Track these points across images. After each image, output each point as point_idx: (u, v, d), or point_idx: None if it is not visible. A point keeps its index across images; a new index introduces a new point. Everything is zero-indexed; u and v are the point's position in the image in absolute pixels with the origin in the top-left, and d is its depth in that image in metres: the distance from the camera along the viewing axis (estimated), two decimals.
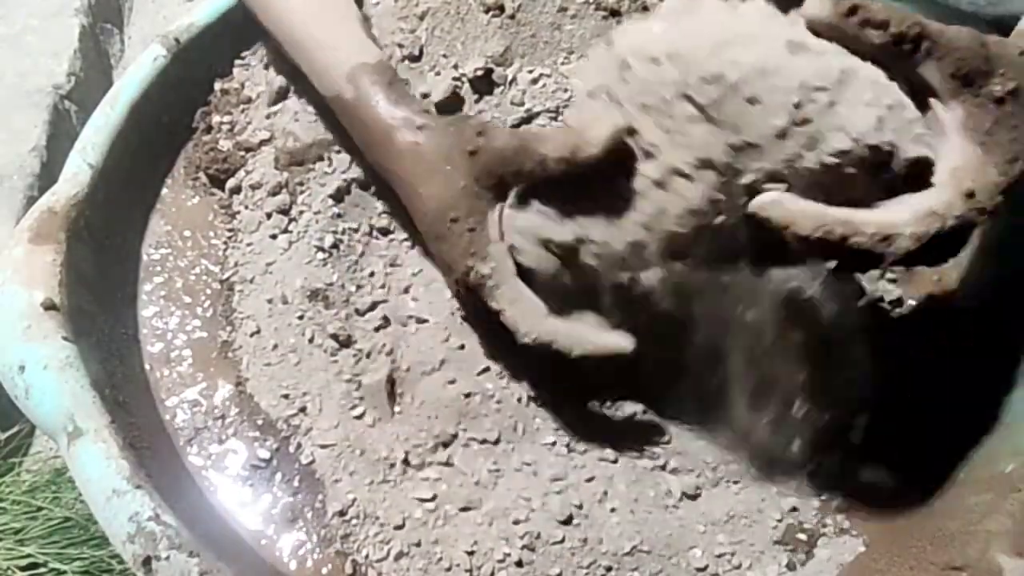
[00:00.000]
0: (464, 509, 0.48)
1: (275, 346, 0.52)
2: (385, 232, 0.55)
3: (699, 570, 0.47)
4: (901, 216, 0.38)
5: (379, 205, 0.56)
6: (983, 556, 0.41)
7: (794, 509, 0.49)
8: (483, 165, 0.45)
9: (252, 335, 0.53)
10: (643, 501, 0.48)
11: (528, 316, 0.45)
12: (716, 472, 0.50)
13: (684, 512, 0.48)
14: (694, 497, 0.49)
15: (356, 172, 0.55)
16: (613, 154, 0.42)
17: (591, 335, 0.45)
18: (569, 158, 0.43)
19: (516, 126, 0.55)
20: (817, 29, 0.39)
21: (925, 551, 0.45)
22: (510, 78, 0.56)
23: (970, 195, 0.38)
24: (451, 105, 0.55)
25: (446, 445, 0.49)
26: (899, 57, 0.39)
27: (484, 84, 0.56)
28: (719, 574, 0.47)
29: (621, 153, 0.42)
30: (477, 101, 0.56)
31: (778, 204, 0.39)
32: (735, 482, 0.49)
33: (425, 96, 0.55)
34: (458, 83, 0.55)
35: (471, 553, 0.46)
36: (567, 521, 0.47)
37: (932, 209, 0.38)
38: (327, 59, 0.51)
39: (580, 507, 0.48)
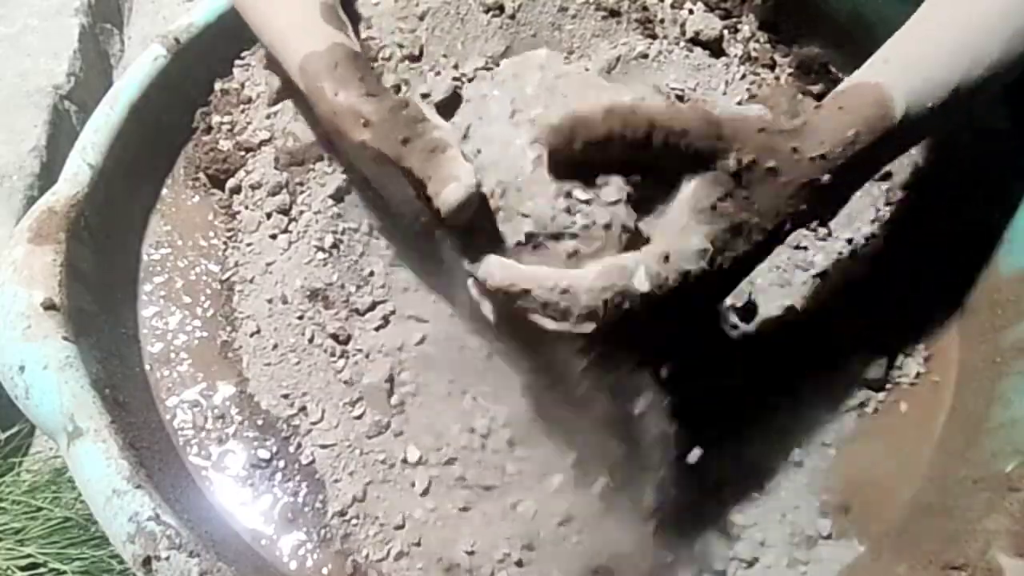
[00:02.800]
0: (464, 509, 0.48)
1: (275, 346, 0.52)
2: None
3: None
4: (586, 273, 0.38)
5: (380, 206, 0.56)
6: (983, 556, 0.41)
7: (795, 509, 0.49)
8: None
9: (252, 335, 0.53)
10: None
11: None
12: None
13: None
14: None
15: (356, 172, 0.55)
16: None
17: None
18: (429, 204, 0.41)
19: None
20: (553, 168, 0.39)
21: (925, 551, 0.45)
22: None
23: (665, 258, 0.39)
24: (451, 105, 0.55)
25: (446, 445, 0.49)
26: (640, 154, 0.39)
27: None
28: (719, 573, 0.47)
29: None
30: None
31: (489, 263, 0.40)
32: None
33: (425, 96, 0.55)
34: (458, 83, 0.55)
35: (471, 553, 0.46)
36: (567, 521, 0.47)
37: (617, 264, 0.38)
38: (284, 51, 0.50)
39: (580, 507, 0.48)
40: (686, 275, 0.39)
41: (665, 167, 0.40)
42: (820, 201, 0.43)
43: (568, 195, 0.40)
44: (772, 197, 0.41)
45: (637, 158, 0.39)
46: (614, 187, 0.40)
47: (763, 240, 0.42)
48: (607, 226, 0.40)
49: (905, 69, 0.45)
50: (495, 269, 0.40)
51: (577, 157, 0.39)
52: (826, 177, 0.42)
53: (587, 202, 0.40)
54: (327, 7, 0.52)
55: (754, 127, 0.41)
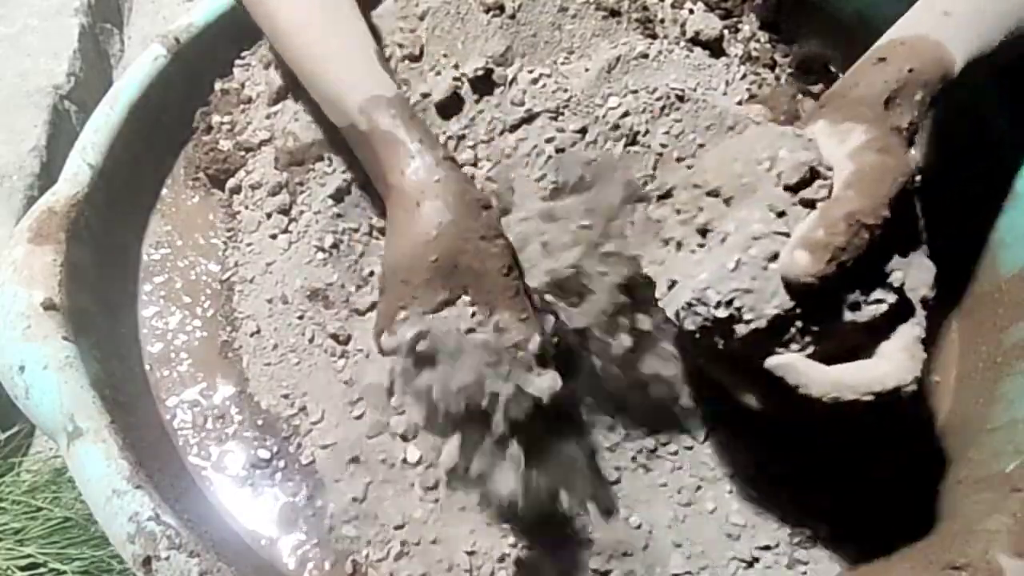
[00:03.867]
0: (463, 509, 0.48)
1: (275, 346, 0.52)
2: (385, 232, 0.55)
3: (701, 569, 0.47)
4: (893, 358, 0.40)
5: (379, 205, 0.56)
6: (983, 556, 0.41)
7: (795, 509, 0.49)
8: (464, 269, 0.44)
9: (252, 335, 0.52)
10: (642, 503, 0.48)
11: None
12: (716, 475, 0.50)
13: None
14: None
15: (356, 172, 0.55)
16: None
17: None
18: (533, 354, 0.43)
19: (516, 126, 0.55)
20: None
21: (925, 551, 0.45)
22: (510, 78, 0.56)
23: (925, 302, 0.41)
24: (451, 105, 0.55)
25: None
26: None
27: (484, 84, 0.56)
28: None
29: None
30: (477, 101, 0.56)
31: (791, 367, 0.39)
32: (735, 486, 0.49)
33: (425, 96, 0.55)
34: (458, 83, 0.55)
35: (471, 553, 0.46)
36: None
37: (915, 336, 0.40)
38: (340, 90, 0.49)
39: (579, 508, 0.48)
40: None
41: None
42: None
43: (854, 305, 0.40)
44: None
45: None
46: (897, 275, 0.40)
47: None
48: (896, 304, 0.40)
49: (962, 25, 0.46)
50: (812, 379, 0.39)
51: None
52: (912, 137, 0.44)
53: (875, 300, 0.40)
54: (380, 53, 0.52)
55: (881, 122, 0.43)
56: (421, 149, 0.47)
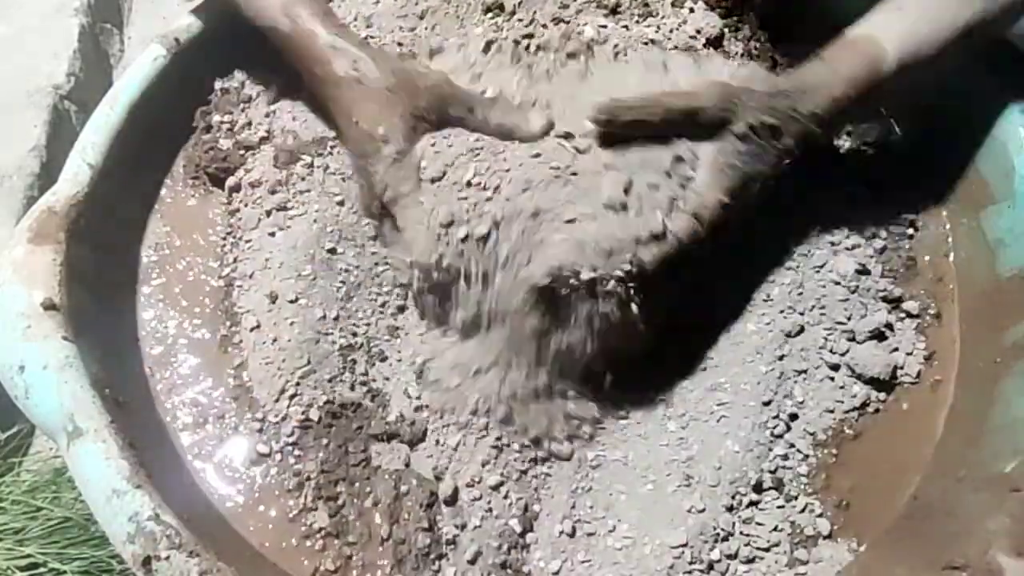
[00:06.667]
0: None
1: (274, 340, 0.52)
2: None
3: None
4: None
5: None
6: (983, 556, 0.41)
7: (795, 509, 0.49)
8: (434, 99, 0.49)
9: (252, 330, 0.52)
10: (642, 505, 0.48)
11: (424, 239, 0.48)
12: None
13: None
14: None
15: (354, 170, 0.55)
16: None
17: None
18: (506, 128, 0.49)
19: None
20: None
21: (925, 551, 0.45)
22: None
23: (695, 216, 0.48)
24: None
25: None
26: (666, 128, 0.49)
27: None
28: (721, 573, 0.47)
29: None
30: None
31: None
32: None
33: None
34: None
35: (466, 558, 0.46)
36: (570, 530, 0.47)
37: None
38: None
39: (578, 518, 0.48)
40: (711, 224, 0.48)
41: (691, 134, 0.49)
42: (814, 144, 0.51)
43: None
44: (775, 149, 0.49)
45: (664, 130, 0.48)
46: None
47: (768, 183, 0.50)
48: None
49: (900, 25, 0.50)
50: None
51: (620, 132, 0.48)
52: (819, 130, 0.49)
53: None
54: None
55: (760, 92, 0.48)
56: (338, 38, 0.51)
